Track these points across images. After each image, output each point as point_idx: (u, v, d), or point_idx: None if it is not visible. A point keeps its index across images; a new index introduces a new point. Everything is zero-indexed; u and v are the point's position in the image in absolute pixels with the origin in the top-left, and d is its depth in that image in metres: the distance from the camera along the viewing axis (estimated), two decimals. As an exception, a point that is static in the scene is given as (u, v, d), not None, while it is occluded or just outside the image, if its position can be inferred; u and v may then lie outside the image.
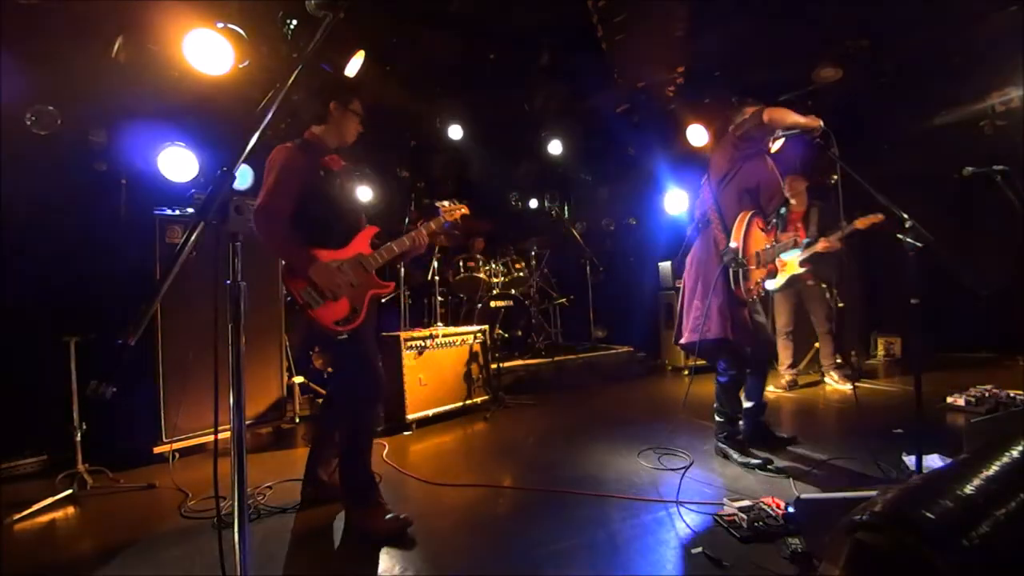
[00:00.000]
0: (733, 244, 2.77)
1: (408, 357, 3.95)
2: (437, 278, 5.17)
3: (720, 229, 2.87)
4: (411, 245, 2.56)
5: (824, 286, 4.56)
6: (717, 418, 3.00)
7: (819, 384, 4.79)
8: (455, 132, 5.82)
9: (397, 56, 4.58)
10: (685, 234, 4.88)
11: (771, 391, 4.65)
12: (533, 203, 7.45)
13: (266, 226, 2.24)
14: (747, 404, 3.10)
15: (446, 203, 2.78)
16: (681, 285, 3.16)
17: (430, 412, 4.03)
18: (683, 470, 2.79)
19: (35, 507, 2.62)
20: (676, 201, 6.09)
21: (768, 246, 2.89)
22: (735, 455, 2.89)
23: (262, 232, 2.24)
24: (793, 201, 4.45)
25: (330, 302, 2.31)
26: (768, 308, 4.73)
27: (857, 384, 4.66)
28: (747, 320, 2.86)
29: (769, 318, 4.60)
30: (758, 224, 2.87)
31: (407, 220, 5.06)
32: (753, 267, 2.79)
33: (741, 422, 3.05)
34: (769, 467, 2.77)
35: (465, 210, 2.82)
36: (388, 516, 2.34)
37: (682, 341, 3.03)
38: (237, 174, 1.19)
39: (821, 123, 2.65)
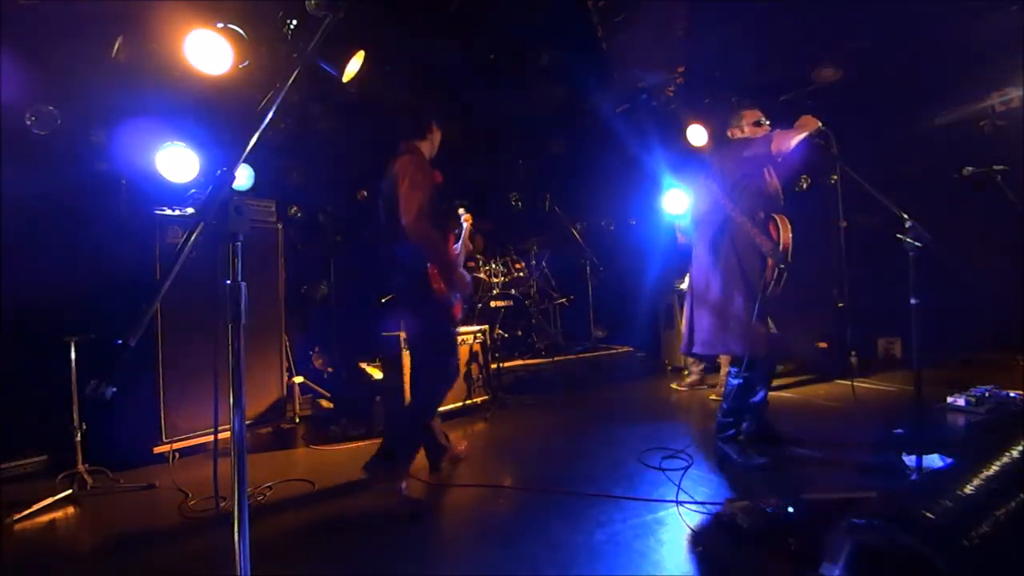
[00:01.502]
0: (786, 238, 2.80)
1: (408, 357, 3.94)
2: (437, 278, 5.16)
3: (757, 232, 2.84)
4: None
5: None
6: (721, 418, 3.00)
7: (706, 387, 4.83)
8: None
9: (397, 56, 4.57)
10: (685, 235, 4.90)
11: (674, 387, 4.79)
12: (533, 203, 7.44)
13: (429, 230, 2.55)
14: (754, 399, 3.11)
15: (462, 211, 3.10)
16: (686, 288, 3.16)
17: (430, 412, 4.02)
18: (683, 470, 2.79)
19: (35, 507, 2.62)
20: (676, 201, 6.08)
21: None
22: (735, 455, 2.89)
23: (425, 237, 2.54)
24: None
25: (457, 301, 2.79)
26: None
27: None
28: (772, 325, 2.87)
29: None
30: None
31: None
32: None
33: (744, 423, 3.05)
34: (769, 467, 2.77)
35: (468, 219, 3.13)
36: (403, 495, 2.61)
37: (696, 351, 3.02)
38: (237, 174, 1.19)
39: (819, 124, 2.66)
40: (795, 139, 2.68)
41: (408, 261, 2.65)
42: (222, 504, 2.44)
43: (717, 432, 3.01)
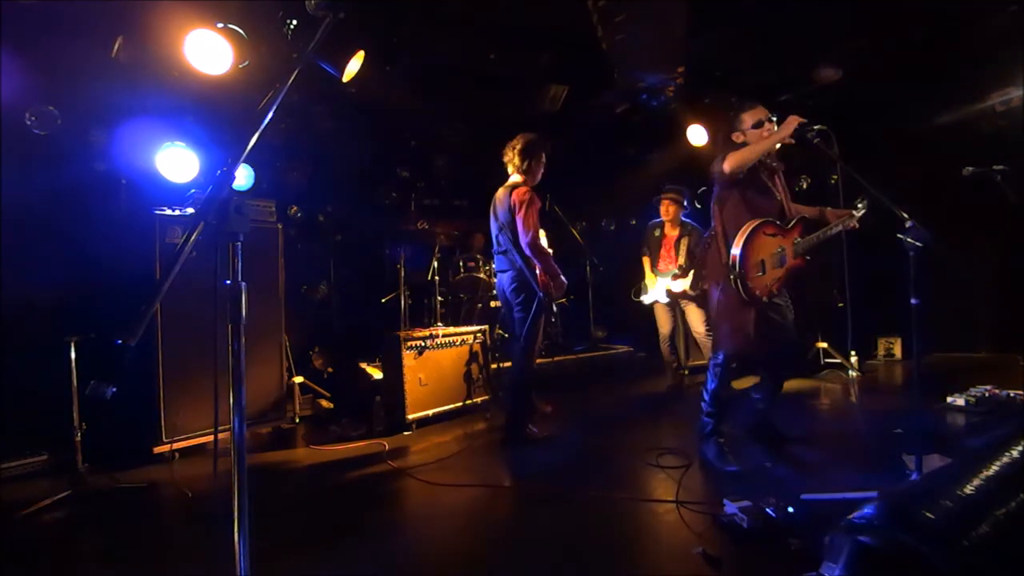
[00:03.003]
0: (734, 252, 2.79)
1: (408, 357, 3.95)
2: (437, 278, 5.16)
3: (721, 241, 2.90)
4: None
5: (701, 309, 4.58)
6: (703, 418, 2.99)
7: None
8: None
9: (397, 56, 4.57)
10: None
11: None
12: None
13: (543, 250, 3.38)
14: (756, 395, 3.12)
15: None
16: None
17: (430, 412, 4.03)
18: (683, 470, 2.79)
19: (35, 507, 2.62)
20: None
21: (778, 249, 2.88)
22: (711, 456, 2.88)
23: (540, 255, 3.34)
24: (667, 225, 4.71)
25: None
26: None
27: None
28: (749, 326, 2.85)
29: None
30: (766, 231, 2.85)
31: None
32: (759, 274, 2.82)
33: (752, 420, 3.08)
34: (741, 475, 2.72)
35: None
36: (535, 431, 3.58)
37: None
38: (237, 174, 1.19)
39: (799, 121, 2.64)
40: (757, 148, 2.75)
41: (524, 265, 3.42)
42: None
43: (699, 430, 3.02)
